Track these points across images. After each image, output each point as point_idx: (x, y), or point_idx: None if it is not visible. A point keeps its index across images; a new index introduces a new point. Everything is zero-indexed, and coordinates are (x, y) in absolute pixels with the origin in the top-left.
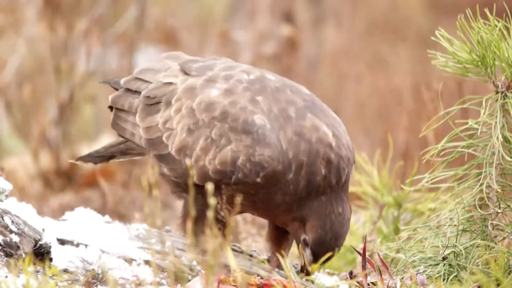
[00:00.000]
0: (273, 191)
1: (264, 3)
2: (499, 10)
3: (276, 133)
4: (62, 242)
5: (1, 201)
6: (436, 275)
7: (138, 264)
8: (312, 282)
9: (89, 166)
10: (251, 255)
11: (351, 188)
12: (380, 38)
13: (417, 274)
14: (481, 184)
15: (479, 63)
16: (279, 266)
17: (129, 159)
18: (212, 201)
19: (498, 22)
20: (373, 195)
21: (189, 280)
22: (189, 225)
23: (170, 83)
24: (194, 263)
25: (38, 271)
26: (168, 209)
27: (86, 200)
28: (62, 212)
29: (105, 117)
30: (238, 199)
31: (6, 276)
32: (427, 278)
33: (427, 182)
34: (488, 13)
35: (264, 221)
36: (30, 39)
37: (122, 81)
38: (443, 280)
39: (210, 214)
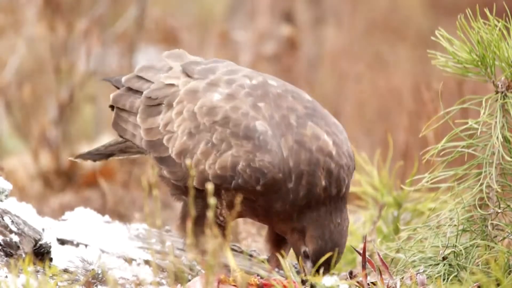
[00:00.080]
0: (273, 198)
1: (264, 3)
2: (499, 10)
3: (277, 140)
4: (62, 242)
5: (1, 201)
6: (436, 275)
7: (138, 264)
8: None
9: (89, 166)
10: (251, 255)
11: (351, 188)
12: (380, 38)
13: (417, 274)
14: (481, 184)
15: (479, 63)
16: (279, 266)
17: (129, 159)
18: (212, 201)
19: (498, 22)
20: (373, 195)
21: (189, 280)
22: (189, 226)
23: (172, 85)
24: (194, 263)
25: (38, 271)
26: (168, 209)
27: (86, 200)
28: (62, 212)
29: (105, 117)
30: (238, 204)
31: (6, 276)
32: (427, 278)
33: (427, 182)
34: (488, 13)
35: None
36: (30, 39)
37: (123, 79)
38: (443, 280)
39: (210, 214)
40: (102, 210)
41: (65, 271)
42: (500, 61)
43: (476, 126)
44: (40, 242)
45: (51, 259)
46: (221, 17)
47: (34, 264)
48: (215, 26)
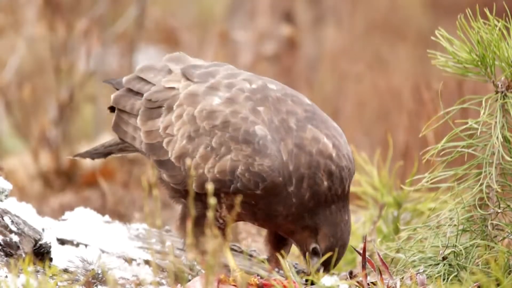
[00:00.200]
0: (274, 202)
1: (264, 3)
2: (499, 10)
3: (277, 144)
4: (62, 242)
5: (1, 201)
6: (436, 275)
7: (138, 264)
8: (312, 282)
9: (89, 166)
10: (251, 255)
11: (351, 188)
12: (380, 38)
13: (417, 274)
14: (481, 184)
15: (479, 63)
16: (279, 266)
17: (129, 159)
18: (212, 201)
19: (498, 22)
20: (373, 195)
21: (189, 280)
22: (188, 226)
23: (172, 88)
24: (194, 263)
25: (38, 271)
26: (168, 209)
27: (86, 200)
28: (62, 212)
29: (105, 117)
30: (237, 208)
31: (6, 276)
32: (427, 278)
33: (427, 182)
34: (488, 13)
35: None
36: (30, 39)
37: (124, 80)
38: (443, 280)
39: (210, 215)
40: (102, 210)
41: (65, 271)
42: (500, 61)
43: (476, 126)
44: (40, 242)
45: (51, 259)
46: (221, 17)
47: (34, 264)
48: (215, 26)
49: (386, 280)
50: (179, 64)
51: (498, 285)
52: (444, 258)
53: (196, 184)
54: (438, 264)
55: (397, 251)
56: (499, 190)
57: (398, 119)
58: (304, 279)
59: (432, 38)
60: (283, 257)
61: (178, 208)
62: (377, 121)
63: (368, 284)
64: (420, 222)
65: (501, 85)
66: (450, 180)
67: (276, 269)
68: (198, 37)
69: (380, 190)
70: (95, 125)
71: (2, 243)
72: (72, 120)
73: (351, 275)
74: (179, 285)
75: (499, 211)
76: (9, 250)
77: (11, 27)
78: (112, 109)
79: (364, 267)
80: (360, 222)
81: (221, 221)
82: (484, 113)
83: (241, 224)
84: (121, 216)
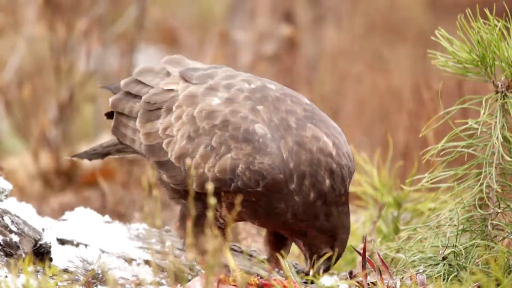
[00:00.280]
0: (275, 199)
1: (264, 3)
2: (499, 10)
3: (277, 142)
4: (62, 242)
5: (1, 201)
6: (436, 275)
7: (138, 264)
8: (312, 282)
9: (89, 166)
10: (251, 255)
11: (351, 188)
12: (379, 38)
13: (417, 274)
14: (481, 184)
15: (479, 63)
16: (279, 266)
17: (129, 159)
18: (212, 201)
19: (498, 22)
20: (373, 195)
21: (189, 280)
22: (188, 226)
23: (171, 90)
24: (194, 263)
25: (38, 271)
26: (168, 209)
27: (86, 200)
28: (62, 212)
29: (105, 117)
30: (238, 207)
31: (6, 276)
32: (427, 278)
33: (427, 182)
34: (488, 13)
35: None
36: (30, 39)
37: (122, 83)
38: (443, 280)
39: (210, 214)
40: (102, 210)
41: (65, 271)
42: (500, 61)
43: (476, 126)
44: (40, 242)
45: (51, 259)
46: (221, 17)
47: (34, 264)
48: (215, 26)
49: (386, 280)
50: (177, 66)
51: (498, 285)
52: (444, 258)
53: (197, 183)
54: (438, 264)
55: (397, 251)
56: (499, 190)
57: (398, 119)
58: (304, 279)
59: (432, 38)
60: (283, 257)
61: (178, 208)
62: (377, 121)
63: (368, 284)
64: (420, 222)
65: (501, 85)
66: (450, 180)
67: (276, 269)
68: (198, 37)
69: (380, 190)
70: (95, 125)
71: (2, 243)
72: (72, 120)
73: (351, 275)
74: (179, 285)
75: (499, 211)
76: (9, 250)
77: (11, 27)
78: (109, 115)
79: (364, 267)
80: (360, 222)
81: (221, 221)
82: (484, 113)
83: (241, 224)
84: (121, 216)
